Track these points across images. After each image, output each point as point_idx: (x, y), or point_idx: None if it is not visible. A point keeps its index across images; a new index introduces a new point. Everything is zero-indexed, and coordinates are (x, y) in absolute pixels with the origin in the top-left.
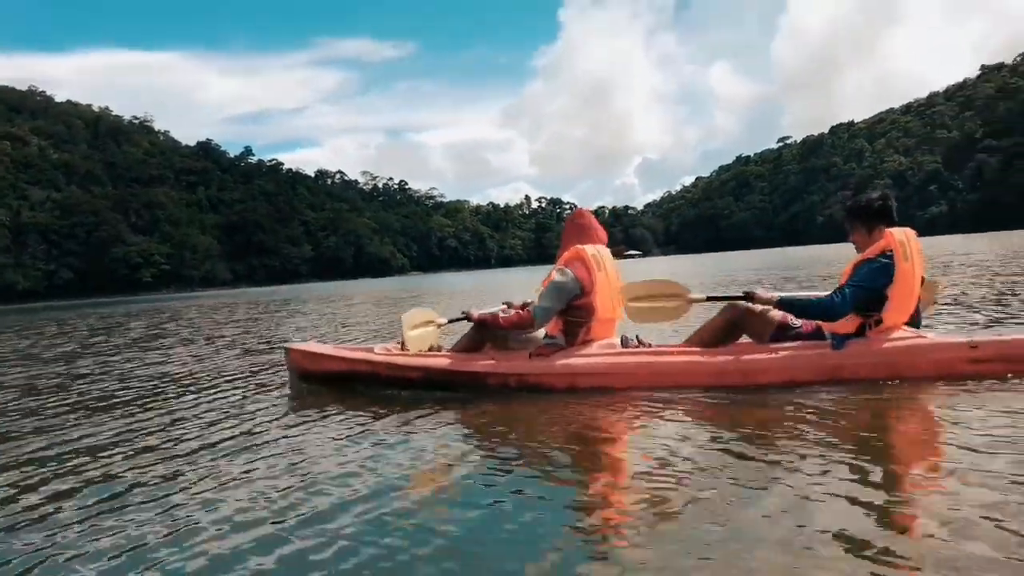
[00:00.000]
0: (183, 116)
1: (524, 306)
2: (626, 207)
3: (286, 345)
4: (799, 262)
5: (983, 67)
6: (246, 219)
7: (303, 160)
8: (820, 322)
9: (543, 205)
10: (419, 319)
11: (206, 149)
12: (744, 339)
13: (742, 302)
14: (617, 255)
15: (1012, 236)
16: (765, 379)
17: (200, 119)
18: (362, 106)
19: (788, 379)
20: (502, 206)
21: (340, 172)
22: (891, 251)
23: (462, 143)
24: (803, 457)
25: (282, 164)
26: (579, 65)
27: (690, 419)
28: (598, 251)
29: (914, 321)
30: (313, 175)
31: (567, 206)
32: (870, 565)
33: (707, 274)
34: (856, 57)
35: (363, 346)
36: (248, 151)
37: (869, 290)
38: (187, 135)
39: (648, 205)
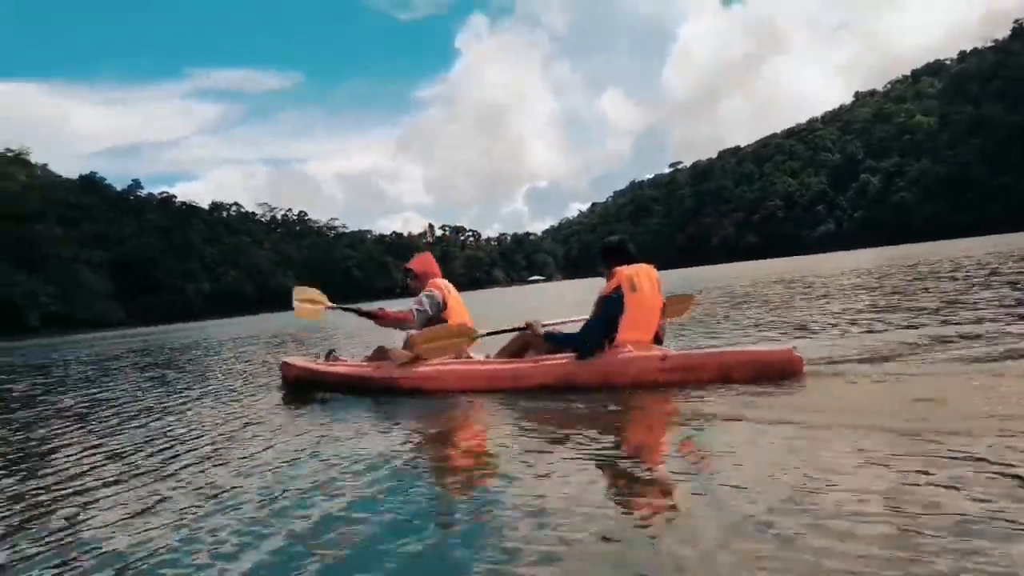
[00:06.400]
0: (46, 150)
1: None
2: (527, 233)
3: (283, 359)
4: (695, 282)
5: (857, 93)
6: (138, 255)
7: (184, 193)
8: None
9: (447, 233)
10: (308, 295)
11: (90, 182)
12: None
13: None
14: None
15: (887, 252)
16: (528, 384)
17: (65, 152)
18: (245, 137)
19: (541, 384)
20: (406, 235)
21: (236, 204)
22: (620, 287)
23: (354, 172)
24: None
25: (174, 196)
26: (475, 92)
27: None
28: (446, 283)
29: (657, 337)
30: (207, 207)
31: (469, 233)
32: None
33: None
34: (739, 84)
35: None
36: (137, 184)
37: (609, 321)
38: (56, 169)
39: (546, 231)
